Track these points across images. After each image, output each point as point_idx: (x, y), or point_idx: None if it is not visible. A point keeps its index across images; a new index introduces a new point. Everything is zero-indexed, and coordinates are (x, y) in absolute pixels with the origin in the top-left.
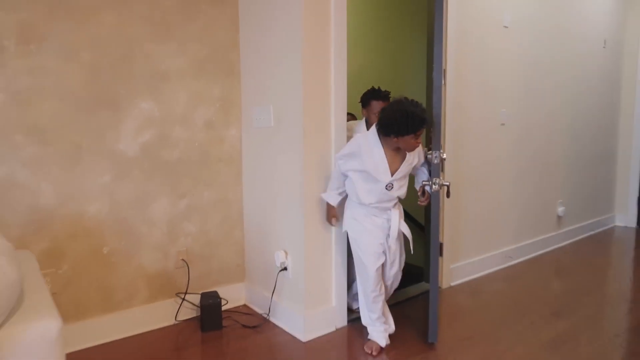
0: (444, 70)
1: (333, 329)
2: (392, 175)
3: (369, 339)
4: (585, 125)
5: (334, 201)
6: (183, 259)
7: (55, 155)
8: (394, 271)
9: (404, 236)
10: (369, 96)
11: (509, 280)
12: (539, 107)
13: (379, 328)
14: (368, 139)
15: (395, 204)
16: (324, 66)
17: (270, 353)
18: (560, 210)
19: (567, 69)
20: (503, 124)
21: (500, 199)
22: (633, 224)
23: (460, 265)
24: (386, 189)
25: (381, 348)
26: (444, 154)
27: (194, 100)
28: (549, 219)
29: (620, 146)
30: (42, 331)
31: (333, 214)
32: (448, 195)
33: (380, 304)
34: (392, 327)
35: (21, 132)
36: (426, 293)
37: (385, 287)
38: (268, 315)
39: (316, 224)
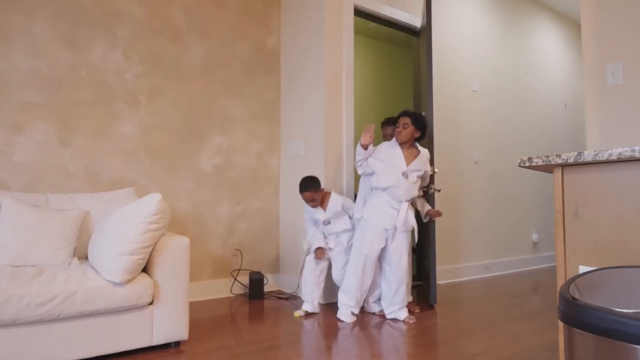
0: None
1: None
2: (407, 166)
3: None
4: None
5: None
6: (237, 249)
7: (161, 168)
8: (402, 268)
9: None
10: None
11: (485, 283)
12: (507, 154)
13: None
14: (390, 144)
15: (408, 201)
16: (338, 112)
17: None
18: (535, 237)
19: (531, 126)
20: (477, 162)
21: (476, 221)
22: None
23: (444, 269)
24: (402, 176)
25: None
26: (436, 170)
27: (249, 137)
28: (524, 243)
29: None
30: (180, 242)
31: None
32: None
33: (357, 295)
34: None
35: (143, 152)
36: (418, 286)
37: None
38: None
39: None
